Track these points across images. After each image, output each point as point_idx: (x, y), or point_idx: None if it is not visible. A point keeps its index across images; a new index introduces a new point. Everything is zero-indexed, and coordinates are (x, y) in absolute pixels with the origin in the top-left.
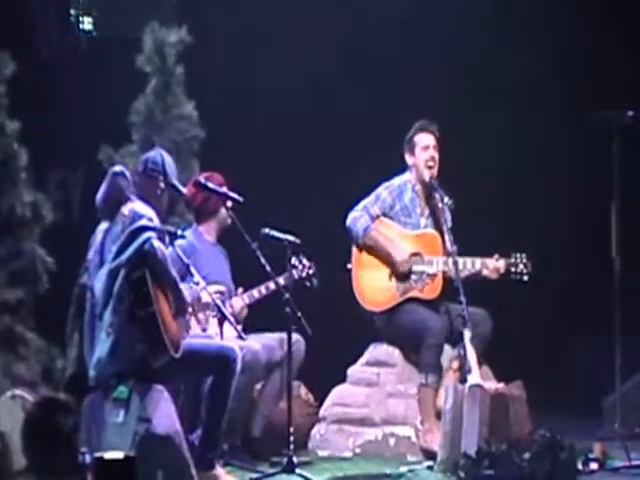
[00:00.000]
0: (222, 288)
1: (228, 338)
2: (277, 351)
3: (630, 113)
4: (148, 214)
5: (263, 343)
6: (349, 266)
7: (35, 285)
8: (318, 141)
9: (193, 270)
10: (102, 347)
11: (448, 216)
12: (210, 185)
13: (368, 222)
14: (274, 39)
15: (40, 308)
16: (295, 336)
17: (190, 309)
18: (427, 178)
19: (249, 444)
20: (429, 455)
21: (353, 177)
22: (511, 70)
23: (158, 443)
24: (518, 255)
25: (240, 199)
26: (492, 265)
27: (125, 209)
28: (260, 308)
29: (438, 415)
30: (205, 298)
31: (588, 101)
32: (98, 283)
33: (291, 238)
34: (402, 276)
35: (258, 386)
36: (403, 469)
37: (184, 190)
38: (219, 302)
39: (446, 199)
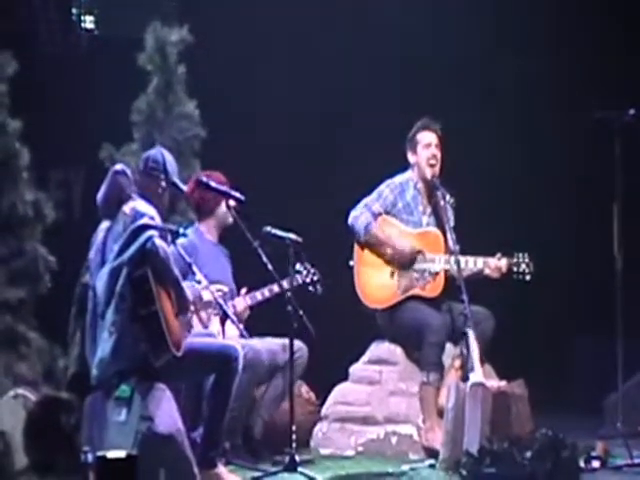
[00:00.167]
0: (224, 288)
1: (230, 337)
2: (280, 355)
3: (632, 111)
4: (150, 213)
5: (266, 347)
6: (351, 263)
7: (37, 284)
8: (320, 139)
9: (195, 269)
10: (104, 346)
11: (450, 214)
12: (212, 184)
13: (369, 219)
14: (275, 38)
15: (42, 307)
16: (299, 344)
17: (192, 307)
18: (429, 176)
19: (250, 443)
20: (431, 453)
21: (355, 175)
22: (511, 70)
23: (160, 442)
24: (520, 255)
25: (242, 197)
26: (494, 264)
27: (126, 208)
28: (262, 311)
29: (440, 413)
30: (207, 296)
31: (588, 101)
32: (100, 282)
33: (293, 236)
34: (405, 268)
35: (261, 388)
36: (405, 467)
37: (185, 188)
38: (221, 300)
39: (448, 197)
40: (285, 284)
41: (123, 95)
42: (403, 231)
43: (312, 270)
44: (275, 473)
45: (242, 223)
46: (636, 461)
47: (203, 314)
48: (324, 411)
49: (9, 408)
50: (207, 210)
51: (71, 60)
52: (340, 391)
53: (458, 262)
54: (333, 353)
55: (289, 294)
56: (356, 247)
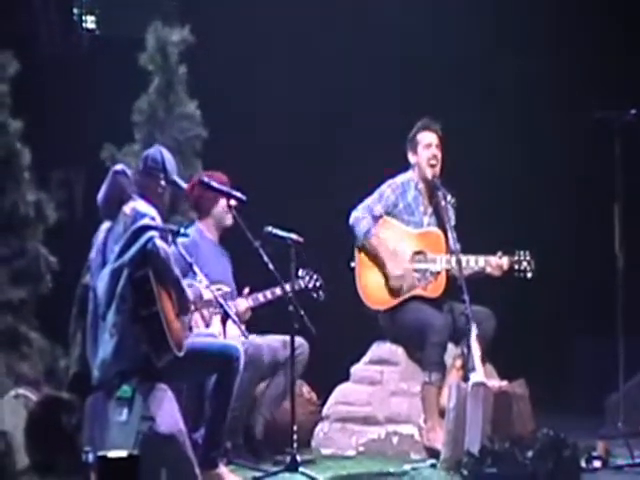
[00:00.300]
0: (226, 288)
1: (231, 337)
2: (281, 351)
3: (633, 111)
4: (150, 213)
5: (267, 344)
6: (352, 265)
7: (38, 284)
8: (320, 140)
9: (196, 269)
10: (106, 348)
11: (451, 214)
12: (213, 183)
13: (370, 224)
14: (275, 38)
15: (43, 307)
16: (300, 340)
17: (193, 307)
18: (430, 176)
19: (251, 443)
20: (432, 453)
21: (355, 175)
22: (511, 70)
23: (161, 442)
24: (522, 252)
25: (243, 198)
26: (495, 262)
27: (127, 208)
28: (263, 311)
29: (441, 413)
30: (207, 295)
31: (588, 101)
32: (101, 283)
33: (294, 237)
34: (393, 293)
35: (262, 385)
36: (406, 467)
37: (185, 185)
38: (221, 300)
39: (449, 197)
40: (287, 288)
41: (124, 95)
42: (404, 231)
43: (315, 276)
44: (276, 473)
45: (243, 223)
46: (637, 461)
47: (205, 312)
48: (325, 411)
49: (10, 408)
50: (204, 210)
51: (72, 60)
52: (341, 391)
53: (459, 261)
54: (334, 353)
55: (290, 294)
56: (357, 248)
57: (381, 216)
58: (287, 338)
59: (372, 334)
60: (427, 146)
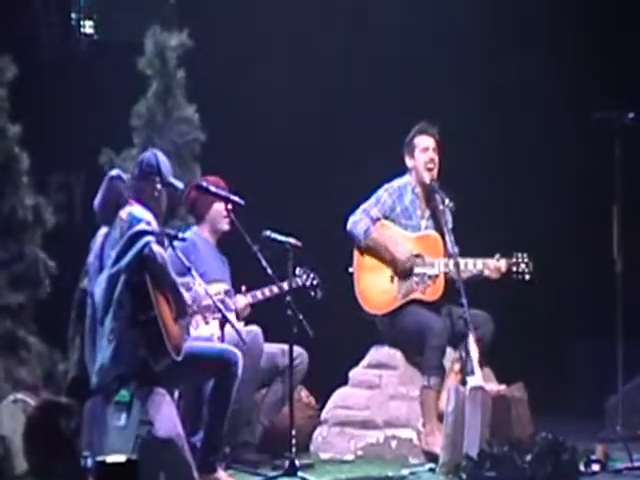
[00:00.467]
0: (227, 287)
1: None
2: (279, 358)
3: (631, 115)
4: (146, 217)
5: (265, 351)
6: (350, 270)
7: (37, 289)
8: (319, 144)
9: (194, 273)
10: (104, 354)
11: (449, 218)
12: (211, 188)
13: (368, 224)
14: (274, 42)
15: (42, 312)
16: (299, 350)
17: (191, 311)
18: (427, 180)
19: (250, 448)
20: (431, 457)
21: (354, 180)
22: (511, 70)
23: (160, 446)
24: (520, 254)
25: (241, 202)
26: (493, 265)
27: (123, 213)
28: (262, 316)
29: (440, 417)
30: (205, 302)
31: (588, 101)
32: (98, 289)
33: (292, 241)
34: (404, 276)
35: (260, 393)
36: (405, 471)
37: (181, 185)
38: (220, 304)
39: (447, 201)
40: (285, 286)
41: (123, 99)
42: (402, 235)
43: (312, 275)
44: (275, 477)
45: (241, 227)
46: (636, 464)
47: (207, 314)
48: (324, 415)
49: (9, 413)
50: (199, 214)
51: (70, 65)
52: (340, 395)
53: (457, 265)
54: (333, 357)
55: (289, 298)
56: (356, 253)
57: (379, 219)
58: (286, 347)
59: (370, 338)
60: (424, 150)
